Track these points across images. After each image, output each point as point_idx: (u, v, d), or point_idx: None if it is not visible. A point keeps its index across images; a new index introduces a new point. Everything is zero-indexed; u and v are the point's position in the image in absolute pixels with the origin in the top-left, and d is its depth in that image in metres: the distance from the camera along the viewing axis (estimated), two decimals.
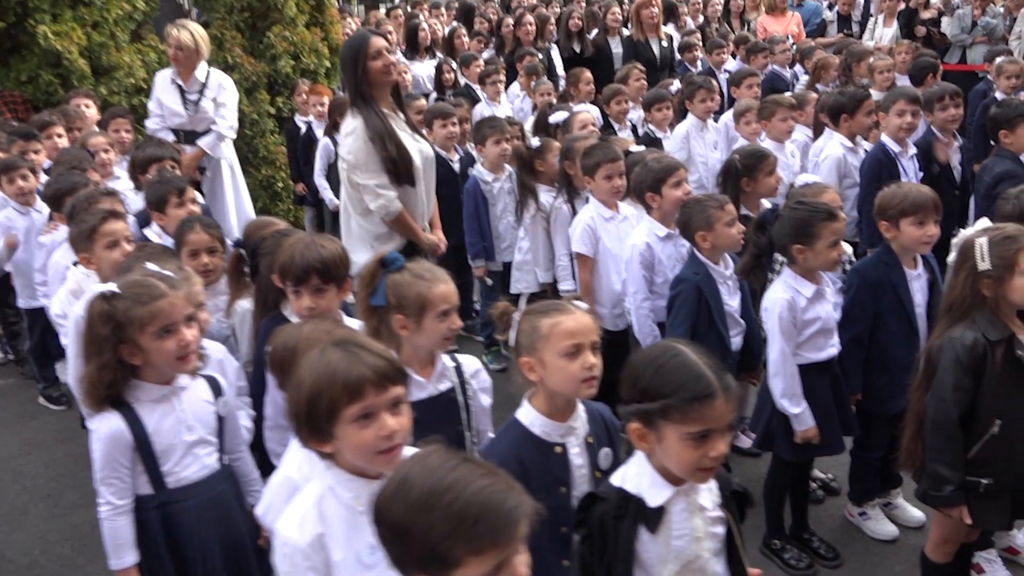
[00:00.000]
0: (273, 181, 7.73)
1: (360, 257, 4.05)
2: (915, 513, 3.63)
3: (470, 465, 1.49)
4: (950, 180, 4.98)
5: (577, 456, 2.23)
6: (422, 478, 1.45)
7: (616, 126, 6.66)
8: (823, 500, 3.88)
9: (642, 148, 4.32)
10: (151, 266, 2.44)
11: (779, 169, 5.41)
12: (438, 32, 9.84)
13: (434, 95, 8.53)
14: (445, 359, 2.58)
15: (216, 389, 2.55)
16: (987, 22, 9.21)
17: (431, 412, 2.46)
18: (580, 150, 4.17)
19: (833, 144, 5.13)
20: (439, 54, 9.32)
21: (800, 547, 3.51)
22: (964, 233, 2.69)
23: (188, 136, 5.72)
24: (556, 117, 5.26)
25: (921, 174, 4.88)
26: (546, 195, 4.61)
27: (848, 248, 3.75)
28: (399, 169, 3.93)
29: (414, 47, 9.33)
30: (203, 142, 5.68)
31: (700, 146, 5.97)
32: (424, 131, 5.80)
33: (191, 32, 5.60)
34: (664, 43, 8.52)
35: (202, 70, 5.72)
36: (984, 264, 2.58)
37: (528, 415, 2.25)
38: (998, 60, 6.63)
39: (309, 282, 2.69)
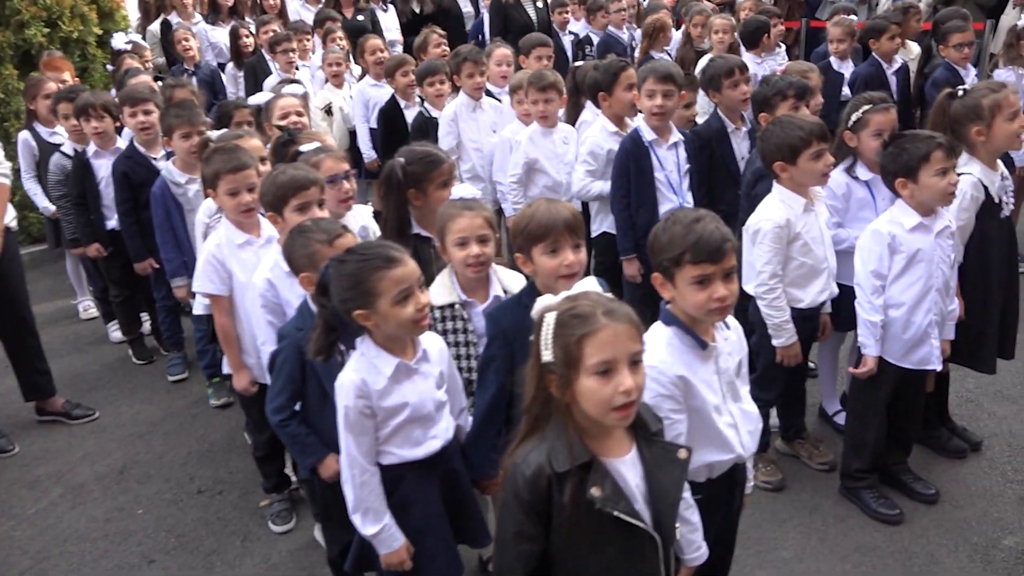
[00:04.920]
0: None
1: None
2: None
3: None
4: (733, 173, 4.16)
5: None
6: None
7: (403, 103, 5.75)
8: None
9: (315, 145, 3.37)
10: None
11: (546, 160, 4.64)
12: None
13: (230, 66, 7.49)
14: None
15: None
16: None
17: None
18: None
19: (594, 129, 4.27)
20: (248, 18, 8.24)
21: None
22: (541, 302, 1.84)
23: None
24: (256, 99, 4.29)
25: (688, 166, 4.05)
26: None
27: None
28: None
29: (216, 9, 8.24)
30: None
31: (472, 129, 5.09)
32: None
33: None
34: (540, 3, 7.52)
35: None
36: (547, 354, 1.75)
37: None
38: (830, 22, 5.80)
39: None
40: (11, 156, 4.88)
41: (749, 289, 3.30)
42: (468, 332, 2.72)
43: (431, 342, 2.39)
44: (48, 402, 4.49)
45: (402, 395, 2.26)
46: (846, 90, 5.68)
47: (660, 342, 2.14)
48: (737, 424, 2.22)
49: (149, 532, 3.59)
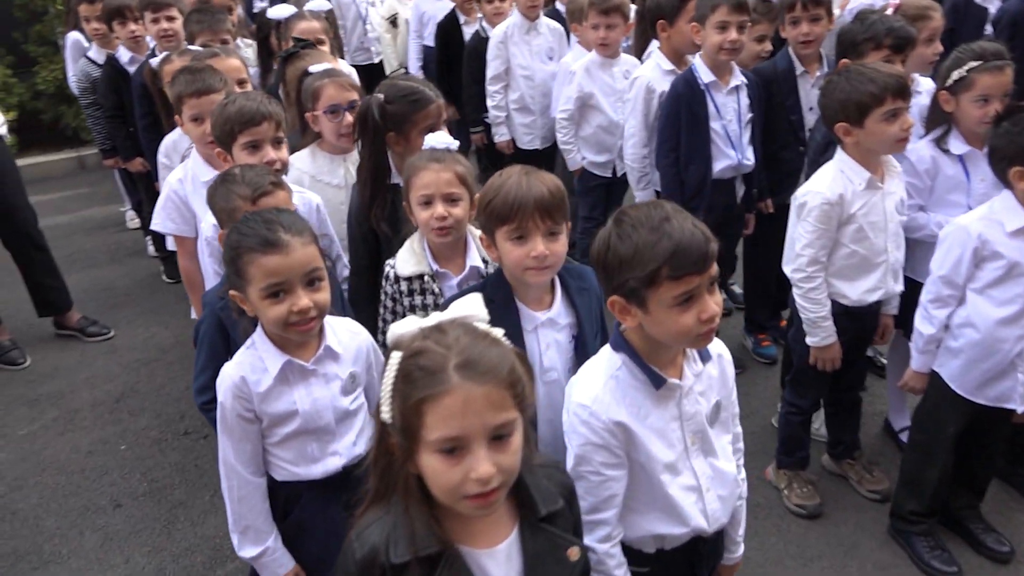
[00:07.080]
0: None
1: None
2: None
3: None
4: (794, 126, 3.44)
5: None
6: None
7: (462, 19, 5.20)
8: None
9: (324, 66, 2.91)
10: None
11: (602, 95, 4.02)
12: None
13: None
14: None
15: None
16: None
17: None
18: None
19: (647, 66, 3.61)
20: None
21: None
22: (395, 329, 1.35)
23: None
24: (276, 11, 3.83)
25: (751, 115, 3.36)
26: None
27: None
28: None
29: None
30: None
31: (523, 54, 4.50)
32: None
33: None
34: None
35: None
36: (385, 412, 1.28)
37: None
38: None
39: None
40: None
41: (787, 271, 2.70)
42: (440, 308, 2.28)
43: (346, 335, 1.95)
44: (64, 316, 4.39)
45: (291, 401, 1.86)
46: (989, 29, 4.68)
47: (599, 374, 1.63)
48: (701, 487, 1.69)
49: (125, 472, 3.43)
